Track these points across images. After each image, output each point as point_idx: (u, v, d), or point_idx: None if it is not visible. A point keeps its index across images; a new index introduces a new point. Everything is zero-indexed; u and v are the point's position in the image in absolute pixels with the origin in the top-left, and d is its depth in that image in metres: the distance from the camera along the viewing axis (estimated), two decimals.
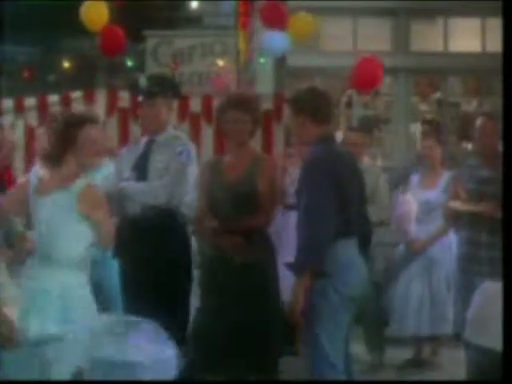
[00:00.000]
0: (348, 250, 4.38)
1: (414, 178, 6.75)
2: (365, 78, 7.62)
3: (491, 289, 4.16)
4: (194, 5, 13.83)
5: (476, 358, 4.01)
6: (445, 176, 6.51)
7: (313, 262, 4.26)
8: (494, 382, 3.74)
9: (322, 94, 4.67)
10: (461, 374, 4.59)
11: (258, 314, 4.63)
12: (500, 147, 5.22)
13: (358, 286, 4.44)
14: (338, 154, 4.60)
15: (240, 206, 4.67)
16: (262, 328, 4.64)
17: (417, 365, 6.61)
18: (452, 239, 6.41)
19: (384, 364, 6.57)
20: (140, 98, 5.38)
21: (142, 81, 5.37)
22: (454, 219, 6.00)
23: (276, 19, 8.15)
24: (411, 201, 6.52)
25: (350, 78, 7.80)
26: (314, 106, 4.53)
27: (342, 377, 4.37)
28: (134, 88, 5.47)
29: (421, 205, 6.48)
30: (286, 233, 5.88)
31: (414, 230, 6.50)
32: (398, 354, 6.78)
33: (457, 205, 5.60)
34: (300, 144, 4.96)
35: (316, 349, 4.34)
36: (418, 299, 6.46)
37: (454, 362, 6.31)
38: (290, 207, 6.18)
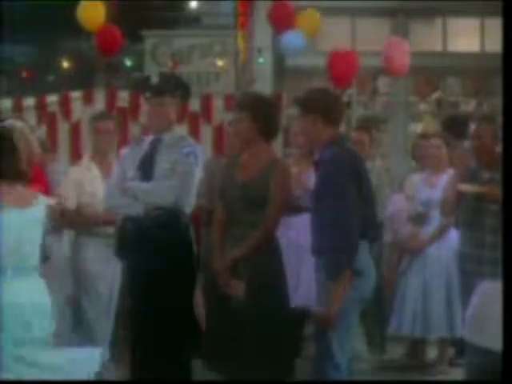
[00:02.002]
0: (363, 251, 4.39)
1: (416, 177, 6.77)
2: (338, 74, 7.68)
3: (490, 289, 4.15)
4: (193, 5, 13.83)
5: (475, 359, 4.01)
6: (446, 175, 6.52)
7: (349, 262, 4.27)
8: (493, 383, 3.73)
9: (334, 95, 4.70)
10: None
11: (266, 320, 4.61)
12: (497, 149, 5.21)
13: (369, 287, 4.47)
14: (355, 154, 4.62)
15: (249, 207, 4.64)
16: (271, 334, 4.61)
17: (418, 366, 6.62)
18: (451, 239, 6.41)
19: (385, 364, 6.58)
20: (148, 96, 5.36)
21: (154, 78, 5.36)
22: (453, 214, 6.04)
23: (284, 19, 8.18)
24: (403, 200, 6.53)
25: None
26: (326, 107, 4.53)
27: (345, 377, 4.38)
28: (141, 85, 5.44)
29: (423, 203, 6.49)
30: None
31: (408, 230, 6.51)
32: (398, 354, 6.80)
33: (462, 187, 5.59)
34: (311, 145, 4.94)
35: (323, 349, 4.34)
36: (414, 299, 6.46)
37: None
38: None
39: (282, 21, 8.23)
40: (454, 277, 6.36)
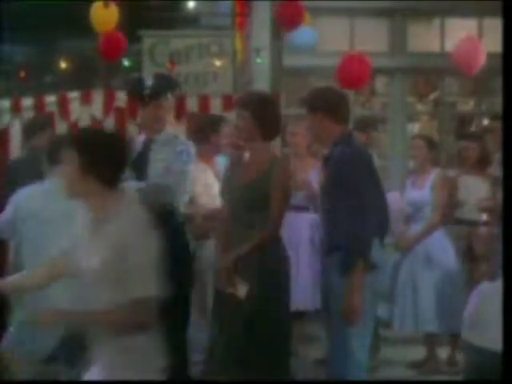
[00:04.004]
0: (376, 248, 4.44)
1: (409, 178, 6.84)
2: (350, 76, 7.62)
3: (488, 289, 4.17)
4: (191, 5, 13.83)
5: (474, 359, 4.02)
6: (432, 175, 6.58)
7: (364, 257, 4.30)
8: (493, 383, 3.74)
9: (339, 93, 4.72)
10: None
11: (268, 321, 4.60)
12: None
13: (385, 284, 4.53)
14: (367, 153, 4.68)
15: (251, 207, 4.64)
16: (272, 334, 4.61)
17: (418, 365, 6.64)
18: (440, 237, 6.46)
19: (381, 364, 6.58)
20: (145, 98, 5.32)
21: (148, 80, 5.35)
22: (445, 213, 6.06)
23: (293, 17, 8.19)
24: (398, 199, 6.56)
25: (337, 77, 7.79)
26: (332, 105, 4.56)
27: (365, 374, 4.41)
28: (137, 88, 5.40)
29: (410, 204, 6.54)
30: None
31: (402, 229, 6.54)
32: (397, 354, 6.81)
33: (489, 203, 5.60)
34: (320, 144, 4.93)
35: (345, 348, 4.36)
36: (403, 297, 6.49)
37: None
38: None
39: (290, 19, 8.23)
40: (443, 274, 6.40)
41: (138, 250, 3.33)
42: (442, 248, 6.52)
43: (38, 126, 6.97)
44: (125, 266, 3.27)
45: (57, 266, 3.62)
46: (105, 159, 3.30)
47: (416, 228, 6.55)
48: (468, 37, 7.74)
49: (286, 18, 8.31)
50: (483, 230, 6.35)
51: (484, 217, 6.46)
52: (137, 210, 3.44)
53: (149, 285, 3.39)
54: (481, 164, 6.79)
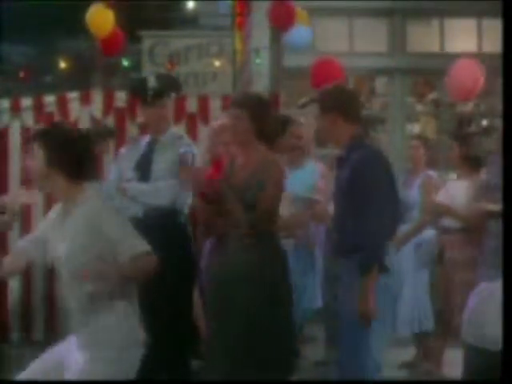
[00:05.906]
0: (393, 248, 4.45)
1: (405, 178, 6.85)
2: (321, 79, 7.57)
3: (487, 289, 4.17)
4: (191, 5, 13.83)
5: (473, 359, 4.02)
6: (422, 176, 6.60)
7: (380, 257, 4.30)
8: (492, 383, 3.74)
9: (351, 92, 4.70)
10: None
11: (265, 317, 4.59)
12: None
13: (398, 284, 4.53)
14: (383, 153, 4.66)
15: (247, 210, 4.61)
16: (268, 331, 4.59)
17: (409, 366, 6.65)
18: (424, 239, 6.46)
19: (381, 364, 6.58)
20: (149, 98, 5.30)
21: (152, 81, 5.34)
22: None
23: (285, 17, 8.18)
24: None
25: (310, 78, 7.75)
26: (344, 104, 4.53)
27: (383, 374, 4.41)
28: (140, 88, 5.38)
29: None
30: None
31: None
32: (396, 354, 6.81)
33: (489, 206, 5.56)
34: (333, 143, 4.89)
35: (361, 348, 4.34)
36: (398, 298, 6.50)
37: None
38: None
39: (282, 19, 8.23)
40: (424, 273, 6.41)
41: (111, 221, 3.65)
42: (424, 247, 6.52)
43: (99, 133, 7.08)
44: (102, 240, 3.58)
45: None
46: (67, 155, 3.61)
47: (406, 228, 6.55)
48: (465, 61, 7.48)
49: (278, 18, 8.32)
50: (455, 236, 6.19)
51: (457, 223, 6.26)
52: (99, 197, 3.76)
53: (138, 241, 3.69)
54: (468, 166, 6.43)
